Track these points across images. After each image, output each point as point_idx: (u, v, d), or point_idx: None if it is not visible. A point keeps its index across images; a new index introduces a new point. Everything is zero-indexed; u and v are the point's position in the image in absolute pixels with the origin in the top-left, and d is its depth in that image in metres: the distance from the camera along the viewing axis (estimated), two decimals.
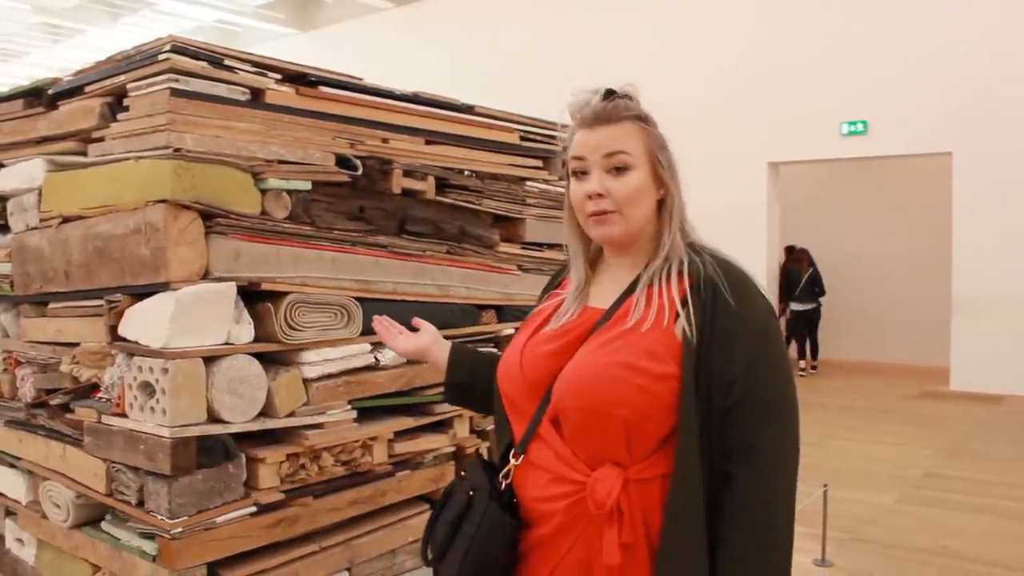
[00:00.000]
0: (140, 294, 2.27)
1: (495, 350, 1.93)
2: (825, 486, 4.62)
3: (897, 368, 11.70)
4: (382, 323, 1.92)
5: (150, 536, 2.21)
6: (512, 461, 1.54)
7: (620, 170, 1.49)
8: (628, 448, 1.42)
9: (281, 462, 2.37)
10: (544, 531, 1.48)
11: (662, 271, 1.50)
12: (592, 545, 1.43)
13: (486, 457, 2.63)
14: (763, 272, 11.01)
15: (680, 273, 1.48)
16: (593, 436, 1.44)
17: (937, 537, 4.91)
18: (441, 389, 2.74)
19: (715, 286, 1.45)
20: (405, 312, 2.56)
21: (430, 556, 1.59)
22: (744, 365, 1.41)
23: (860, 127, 10.51)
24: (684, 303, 1.45)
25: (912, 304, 11.84)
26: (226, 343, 2.25)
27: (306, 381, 2.41)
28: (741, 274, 1.50)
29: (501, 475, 1.54)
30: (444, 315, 2.79)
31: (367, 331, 2.53)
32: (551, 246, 3.24)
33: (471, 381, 1.81)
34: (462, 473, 1.64)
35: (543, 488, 1.49)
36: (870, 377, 11.29)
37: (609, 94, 1.51)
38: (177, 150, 2.23)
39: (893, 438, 7.60)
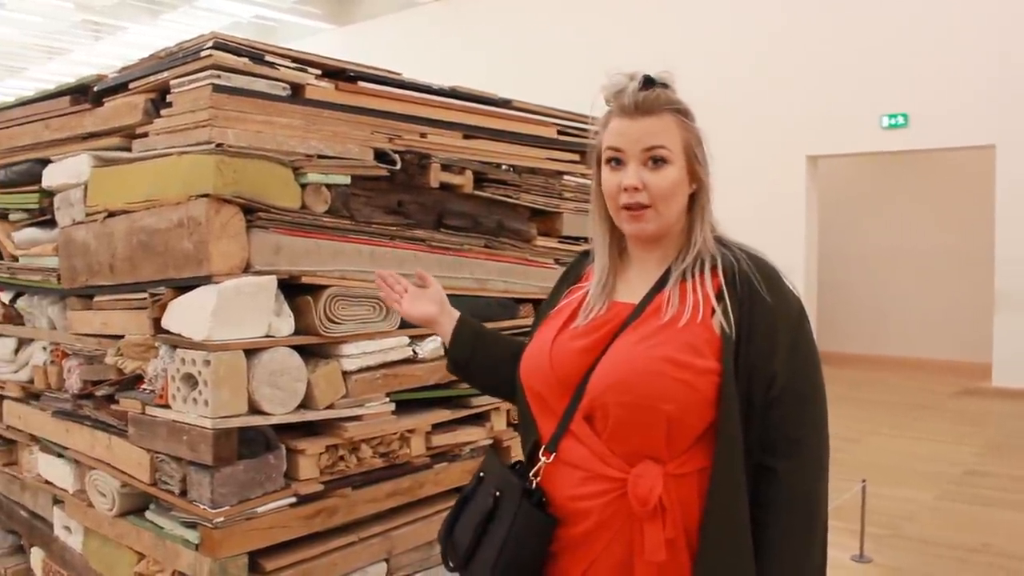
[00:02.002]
0: (183, 287, 2.30)
1: (512, 337, 1.91)
2: (863, 482, 4.59)
3: (938, 364, 11.54)
4: (387, 281, 1.82)
5: (193, 525, 2.25)
6: (542, 459, 1.52)
7: (657, 163, 1.47)
8: (667, 443, 1.42)
9: (320, 453, 2.39)
10: (578, 530, 1.47)
11: (694, 266, 1.49)
12: (632, 542, 1.42)
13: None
14: (801, 267, 10.90)
15: (713, 268, 1.48)
16: (634, 432, 1.43)
17: (977, 535, 4.85)
18: None
19: (750, 281, 1.45)
20: None
21: (451, 562, 1.58)
22: (784, 360, 1.43)
23: (901, 120, 10.37)
24: (720, 297, 1.45)
25: (954, 299, 11.68)
26: (267, 336, 2.28)
27: (345, 373, 2.43)
28: (773, 269, 1.50)
29: (532, 474, 1.52)
30: (482, 309, 2.80)
31: (405, 324, 2.55)
32: (588, 240, 3.23)
33: (470, 358, 1.78)
34: (480, 475, 1.61)
35: (577, 486, 1.47)
36: (910, 373, 11.15)
37: (648, 82, 1.48)
38: (219, 145, 2.26)
39: (933, 435, 7.51)
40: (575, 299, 1.62)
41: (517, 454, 2.87)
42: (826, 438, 1.49)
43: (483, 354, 1.78)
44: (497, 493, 1.53)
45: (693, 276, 1.48)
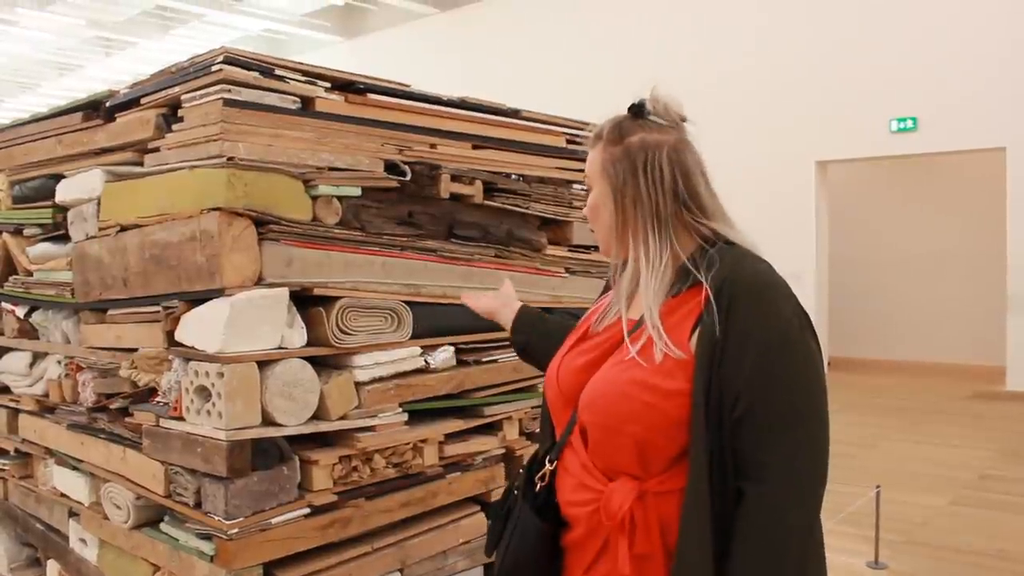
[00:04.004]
0: (196, 300, 2.32)
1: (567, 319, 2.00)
2: (878, 487, 4.57)
3: (951, 368, 11.48)
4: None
5: (207, 537, 2.26)
6: (547, 464, 1.59)
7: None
8: (641, 463, 1.44)
9: (334, 464, 2.40)
10: (575, 535, 1.54)
11: (679, 285, 1.47)
12: (613, 553, 1.46)
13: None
14: (812, 272, 10.87)
15: (698, 285, 1.44)
16: (608, 449, 1.47)
17: (993, 540, 4.82)
18: (490, 392, 2.80)
19: (732, 296, 1.39)
20: (454, 316, 2.60)
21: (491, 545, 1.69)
22: (751, 376, 1.36)
23: (910, 124, 10.34)
24: (700, 319, 1.41)
25: (966, 303, 11.62)
26: (279, 347, 2.29)
27: (358, 384, 2.44)
28: (764, 284, 1.43)
29: (537, 476, 1.60)
30: None
31: (417, 335, 2.57)
32: (598, 249, 3.24)
33: (526, 342, 1.98)
34: (520, 470, 1.71)
35: (571, 493, 1.54)
36: (923, 377, 11.10)
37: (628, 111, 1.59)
38: (230, 159, 2.27)
39: (946, 439, 7.47)
40: (596, 309, 1.67)
41: None
42: (810, 464, 1.39)
43: (540, 340, 1.93)
44: (516, 490, 1.64)
45: (675, 296, 1.46)
